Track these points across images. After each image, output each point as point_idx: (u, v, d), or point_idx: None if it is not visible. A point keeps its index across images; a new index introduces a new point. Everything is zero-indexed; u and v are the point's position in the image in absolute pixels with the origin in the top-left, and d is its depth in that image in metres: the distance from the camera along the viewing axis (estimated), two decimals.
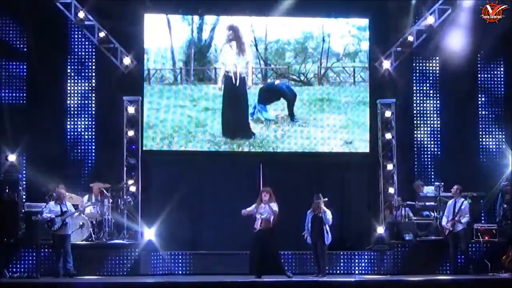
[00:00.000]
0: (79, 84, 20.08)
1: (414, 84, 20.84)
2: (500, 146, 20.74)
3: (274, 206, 16.81)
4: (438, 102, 20.79)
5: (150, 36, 19.77)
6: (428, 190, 19.53)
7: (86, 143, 19.99)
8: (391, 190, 19.57)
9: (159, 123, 19.68)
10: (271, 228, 16.80)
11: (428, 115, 20.78)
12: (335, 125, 20.02)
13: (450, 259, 18.11)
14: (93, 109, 20.05)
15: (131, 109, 19.31)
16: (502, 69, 21.03)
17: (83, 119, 20.05)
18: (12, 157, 18.78)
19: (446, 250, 18.23)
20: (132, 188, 19.02)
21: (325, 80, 20.26)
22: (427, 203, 19.33)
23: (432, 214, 19.30)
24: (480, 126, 20.89)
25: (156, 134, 19.65)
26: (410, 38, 20.17)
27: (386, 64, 20.12)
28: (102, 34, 19.54)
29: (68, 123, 20.01)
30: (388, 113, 19.87)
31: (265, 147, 19.91)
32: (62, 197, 17.39)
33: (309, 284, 16.56)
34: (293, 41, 20.32)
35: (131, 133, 19.25)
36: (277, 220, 16.81)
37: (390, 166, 19.69)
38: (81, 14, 19.44)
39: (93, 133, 20.00)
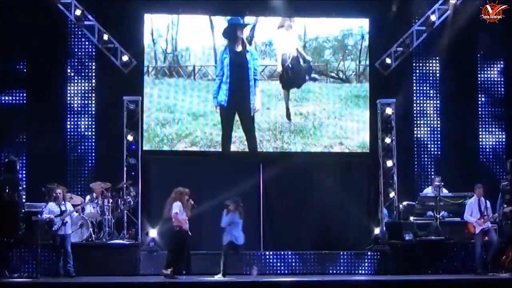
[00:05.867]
0: (79, 84, 20.10)
1: (414, 84, 20.84)
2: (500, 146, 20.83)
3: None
4: (438, 102, 20.79)
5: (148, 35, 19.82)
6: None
7: (86, 143, 19.99)
8: (391, 190, 19.57)
9: (159, 123, 19.72)
10: None
11: (428, 115, 20.78)
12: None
13: (477, 258, 17.73)
14: (93, 109, 20.07)
15: (131, 109, 19.31)
16: (502, 69, 21.02)
17: (83, 119, 20.07)
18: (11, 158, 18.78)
19: (446, 250, 18.22)
20: (132, 188, 19.02)
21: (364, 78, 20.22)
22: (427, 203, 19.31)
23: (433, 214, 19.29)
24: (480, 126, 20.89)
25: (156, 133, 19.67)
26: (411, 38, 20.19)
27: (386, 64, 20.15)
28: (102, 34, 19.55)
29: (68, 123, 20.03)
30: (388, 113, 19.87)
31: (266, 147, 19.94)
32: (60, 197, 17.37)
33: (309, 284, 16.57)
34: (331, 39, 20.31)
35: (131, 133, 19.26)
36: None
37: (390, 166, 19.69)
38: (81, 14, 19.45)
39: (93, 133, 20.01)
